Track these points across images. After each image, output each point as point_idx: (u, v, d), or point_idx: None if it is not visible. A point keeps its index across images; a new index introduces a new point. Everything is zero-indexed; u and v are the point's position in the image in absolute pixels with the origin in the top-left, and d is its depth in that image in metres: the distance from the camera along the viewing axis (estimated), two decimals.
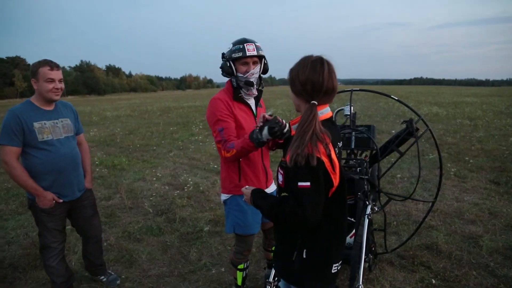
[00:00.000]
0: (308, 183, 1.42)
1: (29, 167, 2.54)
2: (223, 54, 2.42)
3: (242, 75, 2.35)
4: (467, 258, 3.37)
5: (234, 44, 2.34)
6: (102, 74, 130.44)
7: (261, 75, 2.48)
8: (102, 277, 3.20)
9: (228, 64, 2.35)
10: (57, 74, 2.54)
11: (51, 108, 2.63)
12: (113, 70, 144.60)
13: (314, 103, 1.52)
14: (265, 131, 2.02)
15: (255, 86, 2.42)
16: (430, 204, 3.22)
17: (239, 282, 2.84)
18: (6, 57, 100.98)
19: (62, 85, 2.60)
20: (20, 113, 2.45)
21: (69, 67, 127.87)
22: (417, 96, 31.48)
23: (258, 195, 1.73)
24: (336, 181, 1.51)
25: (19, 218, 4.70)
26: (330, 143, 1.48)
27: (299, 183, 1.43)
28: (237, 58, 2.31)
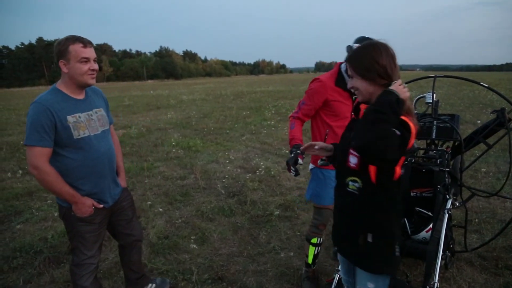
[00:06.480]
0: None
1: (63, 171, 2.05)
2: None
3: None
4: None
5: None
6: (179, 59, 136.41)
7: None
8: (150, 284, 2.80)
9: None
10: (92, 52, 2.08)
11: (82, 96, 2.15)
12: (189, 55, 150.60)
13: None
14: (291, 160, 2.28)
15: None
16: None
17: (310, 259, 2.84)
18: (96, 44, 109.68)
19: (97, 66, 2.16)
20: (50, 106, 1.96)
21: (150, 52, 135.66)
22: (508, 83, 28.37)
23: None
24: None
25: None
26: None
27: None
28: None
